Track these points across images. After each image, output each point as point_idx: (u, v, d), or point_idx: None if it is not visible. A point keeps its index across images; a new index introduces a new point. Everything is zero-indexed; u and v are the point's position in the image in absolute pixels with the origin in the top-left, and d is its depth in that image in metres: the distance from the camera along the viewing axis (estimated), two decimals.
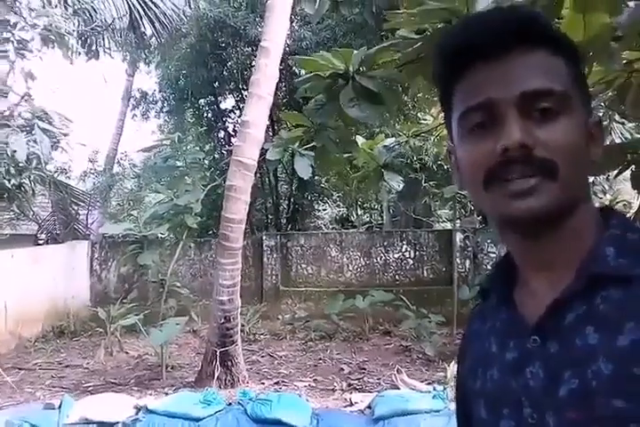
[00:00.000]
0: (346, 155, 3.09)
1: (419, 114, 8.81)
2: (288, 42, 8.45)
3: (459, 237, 9.11)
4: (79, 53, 8.48)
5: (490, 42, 0.68)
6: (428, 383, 5.22)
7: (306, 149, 2.82)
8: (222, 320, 5.66)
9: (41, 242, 11.02)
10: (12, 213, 9.69)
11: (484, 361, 0.76)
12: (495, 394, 0.73)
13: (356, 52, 1.77)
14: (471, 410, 0.79)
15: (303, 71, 10.92)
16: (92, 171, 12.18)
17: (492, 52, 0.68)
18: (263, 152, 5.21)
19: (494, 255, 8.96)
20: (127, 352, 7.24)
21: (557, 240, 0.70)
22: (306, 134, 2.56)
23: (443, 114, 0.80)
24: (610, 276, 0.65)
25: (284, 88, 10.51)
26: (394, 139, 3.49)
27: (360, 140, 3.30)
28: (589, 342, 0.63)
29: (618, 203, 8.09)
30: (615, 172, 1.97)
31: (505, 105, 0.67)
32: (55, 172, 9.95)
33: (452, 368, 5.55)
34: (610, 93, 2.16)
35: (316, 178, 11.42)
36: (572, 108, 0.68)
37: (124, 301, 8.09)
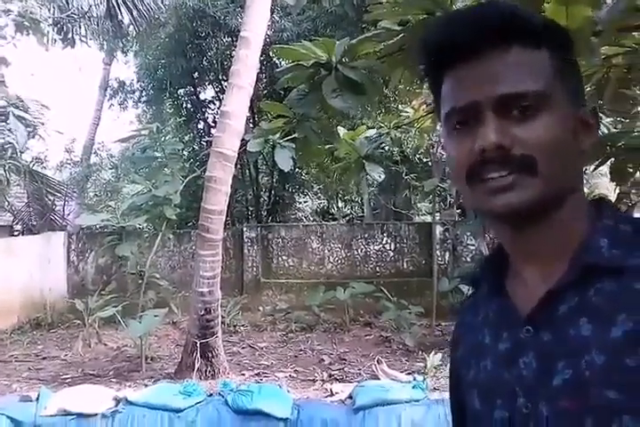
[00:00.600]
0: (327, 146, 3.08)
1: (399, 106, 8.84)
2: (269, 33, 8.40)
3: (438, 229, 9.18)
4: (55, 41, 8.30)
5: (469, 41, 0.68)
6: (408, 373, 5.27)
7: (286, 140, 2.81)
8: (203, 312, 5.64)
9: (16, 233, 10.84)
10: None
11: (477, 352, 0.76)
12: (489, 385, 0.73)
13: (338, 42, 1.76)
14: (465, 401, 0.79)
15: (283, 62, 10.83)
16: (69, 161, 12.00)
17: (472, 51, 0.68)
18: (243, 143, 5.18)
19: (473, 248, 9.06)
20: (105, 344, 7.18)
21: (546, 231, 0.70)
22: (287, 125, 2.54)
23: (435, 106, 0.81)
24: (603, 267, 0.65)
25: (264, 79, 10.43)
26: (375, 130, 3.49)
27: (341, 131, 3.29)
28: (583, 333, 0.64)
29: (595, 196, 8.22)
30: (593, 166, 2.00)
31: (483, 106, 0.67)
32: (31, 161, 9.77)
33: (432, 359, 5.61)
34: (588, 88, 2.19)
35: (296, 170, 11.40)
36: (554, 102, 0.67)
37: (103, 292, 8.02)
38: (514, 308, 0.73)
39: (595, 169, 2.10)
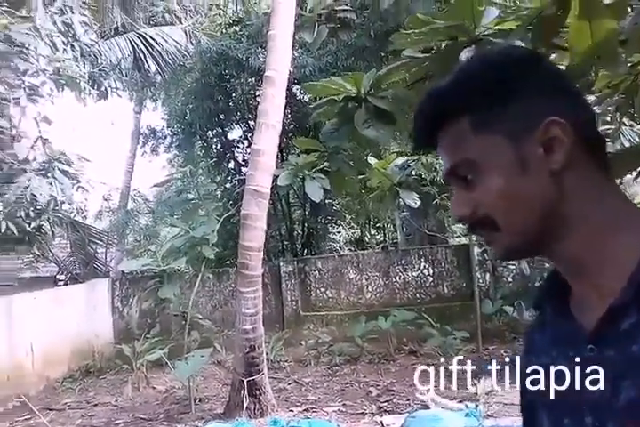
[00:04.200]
0: (360, 176, 3.11)
1: None
2: (291, 69, 8.61)
3: (476, 251, 9.03)
4: (89, 94, 8.69)
5: (429, 124, 0.76)
6: (460, 401, 5.13)
7: (315, 171, 2.85)
8: (247, 350, 5.64)
9: (60, 283, 11.10)
10: (31, 255, 9.79)
11: (545, 372, 0.76)
12: (557, 404, 0.73)
13: (366, 74, 1.81)
14: (535, 421, 0.79)
15: (307, 98, 10.95)
16: (107, 209, 12.34)
17: (438, 128, 0.76)
18: (274, 179, 5.26)
19: (514, 267, 8.87)
20: (154, 387, 7.22)
21: (574, 254, 0.71)
22: (320, 159, 2.58)
23: None
24: None
25: (289, 115, 10.64)
26: (405, 158, 3.51)
27: (372, 160, 3.32)
28: None
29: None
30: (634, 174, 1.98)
31: (447, 177, 0.77)
32: (72, 212, 10.09)
33: (483, 385, 5.45)
34: (616, 98, 2.18)
35: (327, 201, 11.46)
36: (484, 161, 0.71)
37: (148, 336, 8.10)
38: (578, 327, 0.73)
39: (636, 178, 2.06)
